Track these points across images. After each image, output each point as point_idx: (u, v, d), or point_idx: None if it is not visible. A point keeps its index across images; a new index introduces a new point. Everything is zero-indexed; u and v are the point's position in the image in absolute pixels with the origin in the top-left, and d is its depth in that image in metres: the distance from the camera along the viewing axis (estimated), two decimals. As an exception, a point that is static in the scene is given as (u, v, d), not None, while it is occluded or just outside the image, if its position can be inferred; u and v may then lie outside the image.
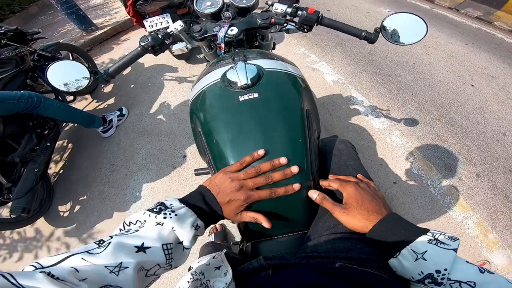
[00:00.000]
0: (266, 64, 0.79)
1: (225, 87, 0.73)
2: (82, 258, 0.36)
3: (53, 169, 2.24)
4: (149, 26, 2.41)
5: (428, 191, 1.73)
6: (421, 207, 1.66)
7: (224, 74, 0.76)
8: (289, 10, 0.98)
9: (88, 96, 2.86)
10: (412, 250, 0.44)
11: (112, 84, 2.97)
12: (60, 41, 2.69)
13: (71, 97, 2.51)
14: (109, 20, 4.64)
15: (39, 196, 1.92)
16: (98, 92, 2.89)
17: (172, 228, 0.46)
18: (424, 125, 2.11)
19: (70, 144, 2.43)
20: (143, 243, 0.42)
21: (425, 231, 0.46)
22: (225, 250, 0.64)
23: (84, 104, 2.79)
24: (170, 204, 0.50)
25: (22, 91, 1.80)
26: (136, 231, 0.44)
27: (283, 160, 0.59)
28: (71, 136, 2.50)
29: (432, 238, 0.44)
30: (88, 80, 0.89)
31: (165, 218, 0.46)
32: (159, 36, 0.95)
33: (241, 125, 0.66)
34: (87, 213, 1.94)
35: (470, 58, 2.83)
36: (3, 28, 2.09)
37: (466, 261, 0.42)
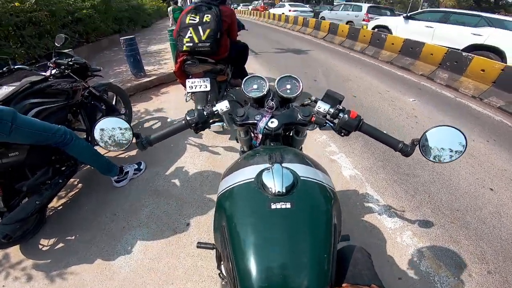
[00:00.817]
0: (301, 170, 0.79)
1: (259, 189, 0.73)
2: None
3: (53, 203, 2.25)
4: (189, 86, 2.64)
5: (434, 286, 1.63)
6: None
7: (260, 174, 0.76)
8: (332, 110, 0.96)
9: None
10: None
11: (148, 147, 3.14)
12: (111, 82, 2.91)
13: None
14: (157, 70, 5.10)
15: (26, 226, 1.86)
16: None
17: None
18: (438, 227, 2.03)
19: (80, 184, 2.48)
20: None
21: None
22: None
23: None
24: None
25: (59, 126, 1.86)
26: None
27: None
28: (84, 177, 2.56)
29: None
30: (128, 143, 0.92)
31: None
32: (205, 113, 0.97)
33: (269, 234, 0.66)
34: (68, 253, 1.87)
35: (491, 159, 2.79)
36: (73, 60, 2.23)
37: None
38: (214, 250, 1.03)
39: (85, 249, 1.91)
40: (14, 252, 1.90)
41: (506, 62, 4.92)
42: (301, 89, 1.10)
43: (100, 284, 1.68)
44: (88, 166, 2.57)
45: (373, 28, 8.70)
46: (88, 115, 2.48)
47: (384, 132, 0.98)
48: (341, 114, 0.95)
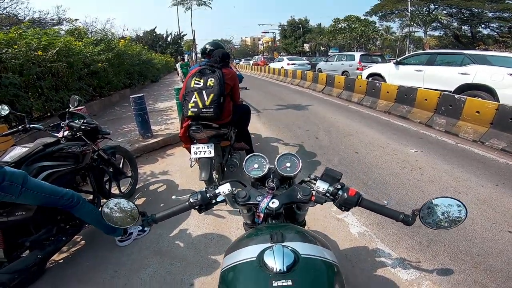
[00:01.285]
0: (302, 248, 0.81)
1: (260, 267, 0.75)
2: None
3: (54, 257, 2.19)
4: (194, 152, 2.71)
5: None
6: None
7: (261, 254, 0.77)
8: (331, 189, 1.00)
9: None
10: None
11: (145, 198, 3.16)
12: (119, 145, 3.00)
13: (104, 200, 2.59)
14: (164, 130, 5.24)
15: (24, 276, 1.80)
16: (130, 199, 3.06)
17: None
18: (459, 273, 1.92)
19: (82, 241, 2.45)
20: None
21: None
22: None
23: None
24: None
25: (67, 190, 1.90)
26: None
27: None
28: (87, 234, 2.53)
29: None
30: (134, 221, 0.98)
31: None
32: (208, 195, 1.02)
33: None
34: None
35: (504, 202, 2.71)
36: (85, 122, 2.32)
37: None
38: None
39: None
40: None
41: (498, 100, 4.94)
42: (300, 166, 1.18)
43: None
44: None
45: (368, 77, 9.00)
46: (96, 177, 2.53)
47: (385, 202, 1.02)
48: (340, 192, 0.99)
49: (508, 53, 7.17)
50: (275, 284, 0.69)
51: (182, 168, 3.86)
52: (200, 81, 2.64)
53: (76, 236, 2.43)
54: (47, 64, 5.08)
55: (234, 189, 1.08)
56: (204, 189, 1.08)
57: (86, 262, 2.21)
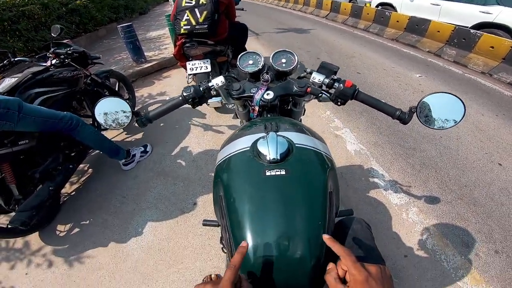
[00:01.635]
0: (296, 138, 0.79)
1: (254, 157, 0.74)
2: None
3: (66, 189, 2.31)
4: (190, 68, 2.64)
5: (441, 265, 1.63)
6: (431, 280, 1.56)
7: (255, 143, 0.77)
8: (326, 80, 0.98)
9: (119, 127, 3.04)
10: None
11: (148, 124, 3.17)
12: (113, 69, 2.93)
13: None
14: (158, 55, 5.09)
15: (42, 213, 1.91)
16: (129, 125, 3.05)
17: None
18: (445, 203, 2.01)
19: (90, 170, 2.54)
20: None
21: None
22: None
23: (114, 134, 2.97)
24: None
25: (65, 112, 1.91)
26: None
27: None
28: (93, 161, 2.63)
29: None
30: (129, 120, 0.95)
31: None
32: (201, 89, 0.99)
33: (264, 201, 0.67)
34: (83, 238, 1.95)
35: (500, 133, 2.73)
36: (71, 49, 2.26)
37: None
38: (219, 227, 1.06)
39: (99, 232, 1.97)
40: (34, 240, 1.98)
41: None
42: (296, 62, 1.10)
43: (115, 266, 1.75)
44: (97, 151, 2.64)
45: (377, 6, 8.38)
46: (92, 101, 2.52)
47: (382, 100, 0.97)
48: (336, 84, 0.96)
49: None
50: (268, 173, 0.69)
51: (179, 88, 3.78)
52: (191, 0, 2.50)
53: (83, 165, 2.52)
54: (19, 8, 5.02)
55: (228, 82, 1.05)
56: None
57: (96, 190, 2.32)
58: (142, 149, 2.57)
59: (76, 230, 2.02)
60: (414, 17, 5.94)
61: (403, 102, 3.27)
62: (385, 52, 5.29)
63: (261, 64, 1.11)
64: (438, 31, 5.28)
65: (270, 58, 1.12)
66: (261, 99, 1.00)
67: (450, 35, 5.01)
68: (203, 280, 0.70)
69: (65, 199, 2.26)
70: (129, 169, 2.46)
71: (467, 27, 5.36)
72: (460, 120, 0.85)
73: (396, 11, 7.42)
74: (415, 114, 0.90)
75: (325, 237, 0.57)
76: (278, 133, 0.78)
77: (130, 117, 0.95)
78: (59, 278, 1.73)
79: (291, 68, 1.09)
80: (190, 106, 1.02)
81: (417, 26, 5.78)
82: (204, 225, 1.04)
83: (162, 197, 2.18)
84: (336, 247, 0.55)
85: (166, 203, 2.13)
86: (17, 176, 1.79)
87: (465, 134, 2.69)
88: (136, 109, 3.27)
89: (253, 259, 0.61)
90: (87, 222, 2.06)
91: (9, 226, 1.75)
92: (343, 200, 2.03)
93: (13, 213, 1.78)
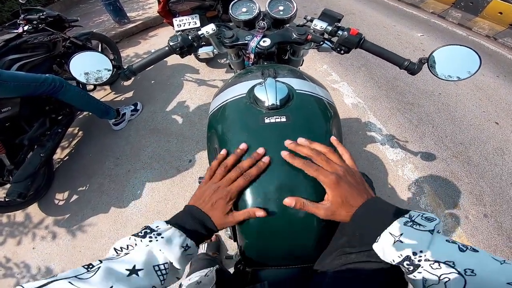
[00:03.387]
0: (296, 84, 0.74)
1: (251, 104, 0.68)
2: (69, 283, 0.35)
3: (58, 154, 2.26)
4: (177, 25, 2.48)
5: None
6: None
7: (252, 89, 0.71)
8: (329, 28, 0.91)
9: (107, 87, 2.92)
10: (390, 233, 0.43)
11: (133, 78, 3.03)
12: (93, 31, 2.77)
13: (91, 86, 2.58)
14: (142, 15, 4.79)
15: (37, 182, 1.90)
16: (117, 84, 2.95)
17: (160, 250, 0.45)
18: (440, 161, 2.01)
19: (80, 132, 2.47)
20: (134, 266, 0.41)
21: (404, 213, 0.46)
22: (217, 266, 0.63)
23: (102, 94, 2.85)
24: (157, 227, 0.49)
25: (46, 75, 1.83)
26: (126, 254, 0.44)
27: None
28: (83, 124, 2.54)
29: (409, 220, 0.44)
30: (109, 74, 0.88)
31: (150, 241, 0.45)
32: (189, 37, 0.91)
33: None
34: (82, 205, 1.94)
35: (500, 93, 2.69)
36: (44, 14, 2.15)
37: (447, 240, 0.41)
38: None
39: (96, 198, 1.96)
40: (34, 212, 1.96)
41: None
42: (295, 9, 1.01)
43: (116, 232, 1.76)
44: (85, 113, 2.56)
45: None
46: None
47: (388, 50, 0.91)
48: (340, 32, 0.89)
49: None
50: (267, 120, 0.63)
51: None
52: None
53: (72, 128, 2.44)
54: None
55: (219, 29, 0.97)
56: (181, 30, 0.94)
57: (89, 154, 2.26)
58: (132, 107, 2.49)
59: (74, 197, 2.00)
60: (419, -24, 5.62)
61: (403, 60, 3.19)
62: (386, 11, 5.04)
63: (256, 12, 1.01)
64: (445, -7, 5.04)
65: (266, 5, 1.02)
66: (257, 46, 0.92)
67: (458, -3, 4.80)
68: (199, 181, 0.71)
69: (58, 165, 2.22)
70: (120, 128, 2.39)
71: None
72: (476, 71, 0.82)
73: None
74: (425, 65, 0.85)
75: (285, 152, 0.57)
76: (277, 79, 0.72)
77: (111, 70, 0.88)
78: (64, 249, 1.75)
79: (289, 15, 0.99)
80: (180, 58, 0.94)
81: (421, -14, 5.48)
82: (200, 182, 1.02)
83: (157, 156, 2.14)
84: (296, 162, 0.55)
85: (161, 162, 2.09)
86: (6, 145, 1.73)
87: (465, 92, 2.65)
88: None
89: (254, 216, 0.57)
90: (84, 188, 2.04)
91: (6, 200, 1.73)
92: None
93: (8, 185, 1.75)
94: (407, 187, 1.84)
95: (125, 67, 0.93)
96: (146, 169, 2.06)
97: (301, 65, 1.25)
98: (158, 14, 2.71)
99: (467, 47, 0.79)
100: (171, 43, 0.90)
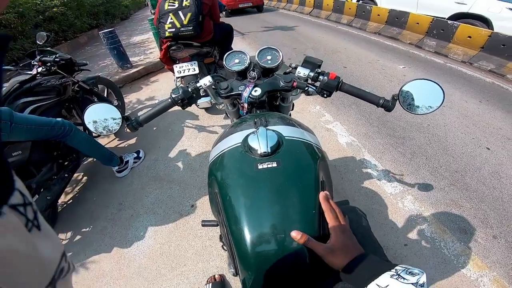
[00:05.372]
0: (286, 131, 0.81)
1: (245, 152, 0.76)
2: None
3: (62, 198, 2.28)
4: (177, 71, 2.64)
5: (441, 252, 1.65)
6: (433, 268, 1.58)
7: (246, 139, 0.78)
8: (311, 74, 1.01)
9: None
10: (377, 284, 0.48)
11: (139, 128, 3.15)
12: (100, 75, 2.89)
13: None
14: (143, 60, 5.01)
15: None
16: (121, 131, 3.04)
17: None
18: (438, 190, 2.05)
19: (84, 178, 2.50)
20: None
21: (391, 267, 0.50)
22: None
23: (106, 140, 2.92)
24: None
25: (57, 119, 1.88)
26: None
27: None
28: (87, 170, 2.59)
29: (395, 274, 0.48)
30: (119, 126, 0.95)
31: None
32: (189, 89, 1.00)
33: (258, 193, 0.68)
34: (85, 245, 1.93)
35: (485, 118, 2.81)
36: (58, 56, 2.23)
37: None
38: (218, 226, 1.07)
39: (99, 239, 1.95)
40: None
41: (492, 29, 4.93)
42: (281, 58, 1.13)
43: (119, 272, 1.74)
44: (91, 159, 2.61)
45: (358, 0, 8.55)
46: (82, 108, 2.49)
47: (366, 90, 1.00)
48: (321, 77, 0.99)
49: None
50: (260, 166, 0.70)
51: (168, 92, 3.77)
52: (174, 2, 2.51)
53: (77, 174, 2.48)
54: (-5, 18, 4.91)
55: (216, 81, 1.06)
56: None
57: (93, 198, 2.28)
58: (135, 155, 2.55)
59: (77, 238, 1.99)
60: (394, 10, 6.11)
61: (389, 93, 3.29)
62: (368, 46, 5.39)
63: (247, 62, 1.13)
64: (417, 23, 5.44)
65: (256, 56, 1.14)
66: (249, 96, 1.02)
67: (428, 26, 5.17)
68: (207, 281, 0.72)
69: (62, 208, 2.23)
70: (123, 176, 2.43)
71: (445, 18, 5.54)
72: (440, 105, 0.89)
73: (376, 4, 7.62)
74: (397, 101, 0.94)
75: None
76: (267, 127, 0.80)
77: (120, 122, 0.95)
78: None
79: (276, 64, 1.11)
80: (180, 108, 1.03)
81: (397, 19, 5.95)
82: (203, 225, 1.05)
83: (159, 202, 2.16)
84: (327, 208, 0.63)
85: (163, 207, 2.11)
86: None
87: (451, 121, 2.77)
88: (125, 115, 3.25)
89: (251, 251, 0.62)
90: (87, 229, 2.03)
91: None
92: (339, 192, 2.06)
93: None
94: (410, 218, 1.86)
95: (132, 119, 1.00)
96: (149, 213, 2.08)
97: (292, 109, 1.35)
98: (159, 59, 2.89)
99: (431, 80, 0.87)
100: (173, 95, 0.98)
